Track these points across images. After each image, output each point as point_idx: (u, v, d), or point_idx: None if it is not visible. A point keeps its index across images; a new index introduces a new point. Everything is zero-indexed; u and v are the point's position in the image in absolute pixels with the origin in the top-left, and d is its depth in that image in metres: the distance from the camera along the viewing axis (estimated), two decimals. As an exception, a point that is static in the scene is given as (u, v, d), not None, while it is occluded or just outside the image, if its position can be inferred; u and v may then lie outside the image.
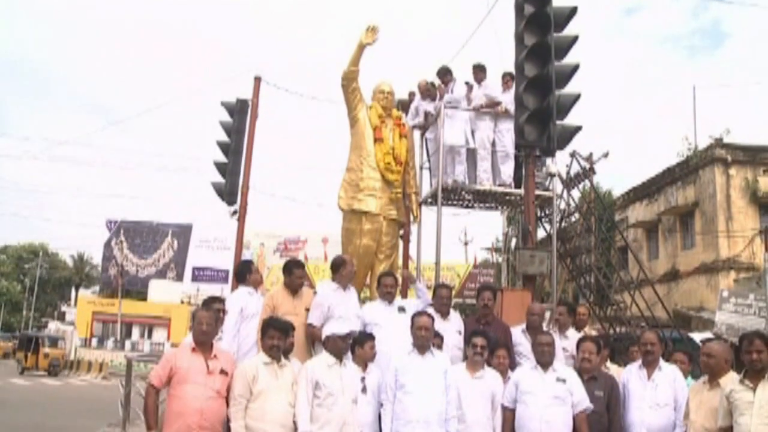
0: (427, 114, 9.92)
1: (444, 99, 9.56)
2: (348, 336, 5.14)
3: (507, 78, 9.60)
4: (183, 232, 48.70)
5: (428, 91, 10.07)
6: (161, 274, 48.41)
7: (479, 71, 9.74)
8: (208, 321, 4.90)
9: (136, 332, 44.65)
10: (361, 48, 7.88)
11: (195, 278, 47.01)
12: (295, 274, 6.04)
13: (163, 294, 45.11)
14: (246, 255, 24.03)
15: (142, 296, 47.06)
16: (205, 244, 47.02)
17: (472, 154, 9.44)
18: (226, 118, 12.83)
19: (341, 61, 8.15)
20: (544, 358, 5.19)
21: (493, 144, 9.46)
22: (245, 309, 5.90)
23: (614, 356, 6.76)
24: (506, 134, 9.36)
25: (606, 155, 18.02)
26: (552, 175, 9.10)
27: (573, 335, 6.23)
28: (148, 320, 44.43)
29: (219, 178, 12.48)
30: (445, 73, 9.84)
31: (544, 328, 6.11)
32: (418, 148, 9.70)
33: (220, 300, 5.89)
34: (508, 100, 9.30)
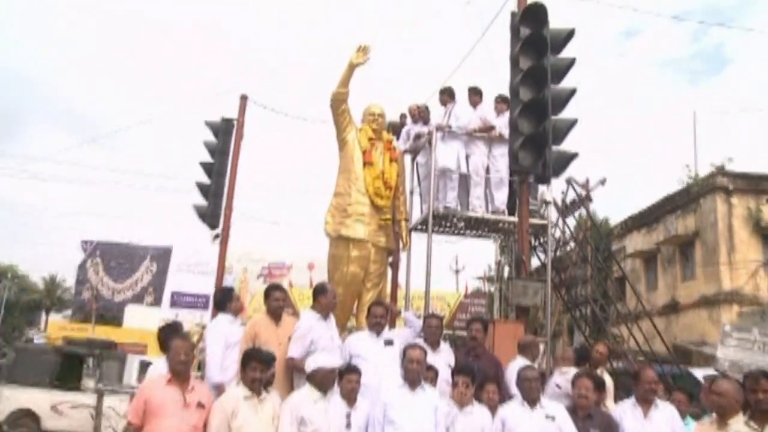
0: (418, 136, 9.83)
1: (445, 118, 9.45)
2: (336, 370, 5.06)
3: (501, 102, 9.55)
4: (162, 255, 48.20)
5: (420, 115, 10.03)
6: (138, 298, 47.78)
7: (474, 94, 9.70)
8: (185, 351, 4.77)
9: (109, 360, 44.01)
10: (352, 68, 7.86)
11: (174, 304, 46.39)
12: (272, 297, 6.01)
13: (140, 320, 44.39)
14: (228, 280, 23.82)
15: (117, 322, 46.37)
16: (186, 267, 46.59)
17: (464, 179, 9.38)
18: (211, 138, 12.70)
19: (331, 81, 8.16)
20: (531, 395, 5.10)
21: (487, 170, 9.39)
22: (228, 338, 5.82)
23: (617, 392, 6.66)
24: (500, 159, 9.29)
25: (603, 182, 17.80)
26: (547, 203, 9.02)
27: (569, 371, 6.11)
28: (123, 347, 43.73)
29: (201, 200, 12.29)
30: (448, 94, 9.76)
31: (540, 364, 6.13)
32: (408, 173, 9.61)
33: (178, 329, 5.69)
34: (502, 124, 9.25)
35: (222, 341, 5.78)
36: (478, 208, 9.31)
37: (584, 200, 15.43)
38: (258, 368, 4.79)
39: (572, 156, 8.10)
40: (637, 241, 22.98)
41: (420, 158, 9.96)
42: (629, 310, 16.87)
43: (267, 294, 6.09)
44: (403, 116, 10.23)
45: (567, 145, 8.19)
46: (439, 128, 9.31)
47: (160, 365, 5.21)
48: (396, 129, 9.85)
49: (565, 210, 13.05)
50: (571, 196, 14.14)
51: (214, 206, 12.24)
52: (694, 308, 19.42)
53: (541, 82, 7.80)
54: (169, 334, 5.29)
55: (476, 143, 9.42)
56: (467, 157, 9.41)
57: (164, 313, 45.44)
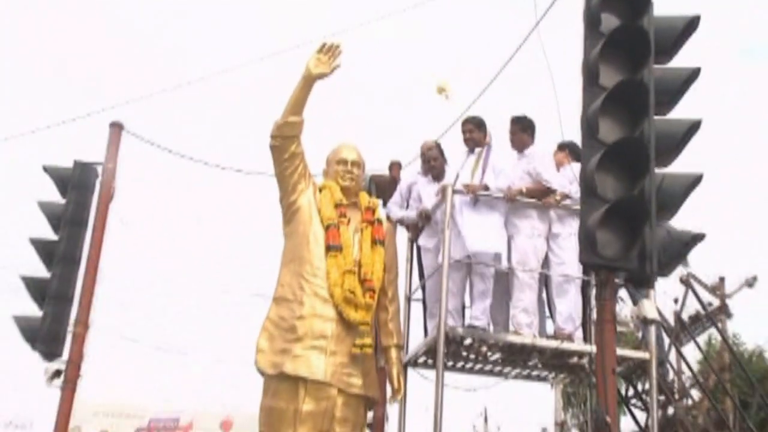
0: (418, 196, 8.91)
1: (471, 171, 8.58)
2: None
3: (563, 150, 8.74)
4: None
5: (433, 162, 8.97)
6: None
7: (522, 130, 8.65)
8: None
9: None
10: (310, 83, 7.07)
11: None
12: None
13: None
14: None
15: None
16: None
17: (502, 278, 8.45)
18: (53, 196, 10.57)
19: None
20: None
21: (544, 260, 8.39)
22: None
23: None
24: (564, 244, 8.31)
25: (752, 282, 15.86)
26: (649, 322, 7.50)
27: None
28: None
29: (31, 308, 10.19)
30: (476, 127, 8.83)
31: None
32: (405, 263, 8.83)
33: None
34: (566, 183, 8.32)
35: None
36: (525, 328, 8.23)
37: (717, 315, 14.10)
38: None
39: (694, 239, 6.96)
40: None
41: (425, 239, 8.93)
42: None
43: None
44: (395, 166, 9.81)
45: (682, 218, 7.04)
46: (461, 189, 8.26)
47: None
48: (384, 187, 9.61)
49: (682, 333, 11.73)
50: (691, 307, 12.85)
51: (53, 319, 10.19)
52: None
53: (635, 109, 6.62)
54: None
55: (524, 213, 8.42)
56: (509, 240, 8.41)
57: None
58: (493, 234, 8.43)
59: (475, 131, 8.89)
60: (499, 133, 8.95)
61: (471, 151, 8.91)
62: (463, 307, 8.74)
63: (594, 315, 7.96)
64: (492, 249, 8.33)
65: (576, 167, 7.77)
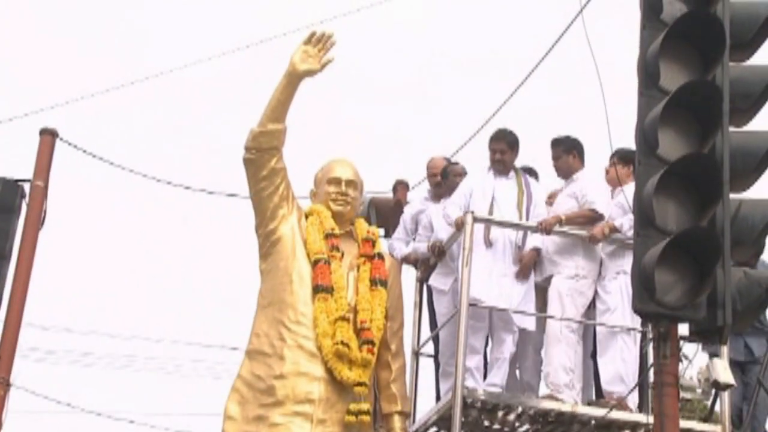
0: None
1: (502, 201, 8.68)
2: None
3: (620, 164, 8.52)
4: None
5: (443, 182, 9.06)
6: None
7: (565, 152, 8.61)
8: None
9: None
10: (294, 81, 6.90)
11: None
12: None
13: None
14: None
15: None
16: None
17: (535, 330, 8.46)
18: None
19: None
20: None
21: (591, 308, 8.23)
22: None
23: None
24: (611, 287, 8.26)
25: None
26: (722, 387, 7.45)
27: None
28: None
29: None
30: (509, 146, 8.87)
31: None
32: (412, 309, 8.72)
33: None
34: (619, 212, 8.22)
35: None
36: (564, 390, 8.07)
37: None
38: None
39: None
40: None
41: (438, 279, 8.95)
42: None
43: None
44: (401, 186, 9.80)
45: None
46: (483, 219, 8.29)
47: None
48: (387, 212, 9.73)
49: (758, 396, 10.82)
50: None
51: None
52: None
53: (707, 119, 6.46)
54: None
55: (566, 251, 8.37)
56: (542, 283, 8.42)
57: None
58: (506, 282, 8.42)
59: (507, 152, 8.82)
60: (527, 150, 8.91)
61: (499, 173, 8.83)
62: (486, 365, 8.59)
63: (651, 377, 7.67)
64: (495, 301, 8.23)
65: (629, 191, 7.52)
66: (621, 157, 8.60)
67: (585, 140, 9.01)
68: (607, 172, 8.83)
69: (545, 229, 8.34)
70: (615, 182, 8.68)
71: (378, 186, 9.48)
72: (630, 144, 7.45)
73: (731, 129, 6.56)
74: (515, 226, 8.59)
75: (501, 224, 8.54)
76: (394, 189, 10.00)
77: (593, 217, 8.45)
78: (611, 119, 7.93)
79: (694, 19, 6.56)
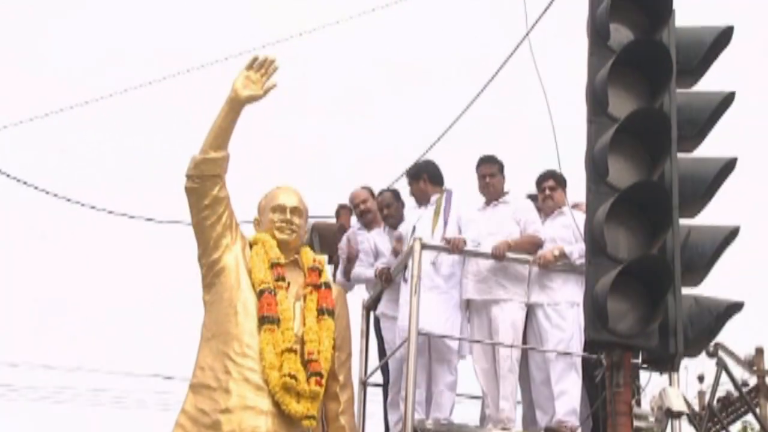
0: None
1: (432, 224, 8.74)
2: None
3: (554, 187, 8.75)
4: None
5: (386, 210, 9.13)
6: None
7: (500, 172, 8.76)
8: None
9: None
10: (237, 107, 6.84)
11: None
12: None
13: None
14: None
15: None
16: None
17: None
18: None
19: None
20: None
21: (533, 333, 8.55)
22: None
23: None
24: (559, 317, 8.42)
25: None
26: (675, 415, 7.38)
27: None
28: None
29: None
30: (429, 178, 8.97)
31: None
32: (358, 336, 8.70)
33: None
34: (565, 236, 8.45)
35: None
36: (510, 420, 8.22)
37: (754, 397, 13.79)
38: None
39: (731, 308, 6.80)
40: None
41: (385, 307, 8.99)
42: None
43: None
44: (344, 211, 9.72)
45: (714, 281, 7.16)
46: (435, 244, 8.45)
47: None
48: (330, 239, 9.72)
49: (710, 422, 11.56)
50: (723, 388, 12.65)
51: None
52: None
53: (655, 145, 6.67)
54: None
55: (506, 279, 8.38)
56: (486, 312, 8.46)
57: None
58: (464, 307, 8.49)
59: (422, 180, 8.96)
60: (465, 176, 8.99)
61: (420, 203, 8.93)
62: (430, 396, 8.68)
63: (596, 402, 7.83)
64: (442, 330, 8.30)
65: (579, 218, 7.66)
66: (558, 180, 8.80)
67: (534, 163, 9.14)
68: (549, 196, 8.92)
69: (498, 254, 8.43)
70: (548, 207, 8.85)
71: (319, 210, 9.36)
72: (579, 172, 7.33)
73: (680, 155, 6.74)
74: (467, 253, 8.64)
75: (460, 250, 8.60)
76: (337, 214, 9.98)
77: (536, 243, 8.57)
78: (559, 139, 8.05)
79: (640, 46, 6.75)
